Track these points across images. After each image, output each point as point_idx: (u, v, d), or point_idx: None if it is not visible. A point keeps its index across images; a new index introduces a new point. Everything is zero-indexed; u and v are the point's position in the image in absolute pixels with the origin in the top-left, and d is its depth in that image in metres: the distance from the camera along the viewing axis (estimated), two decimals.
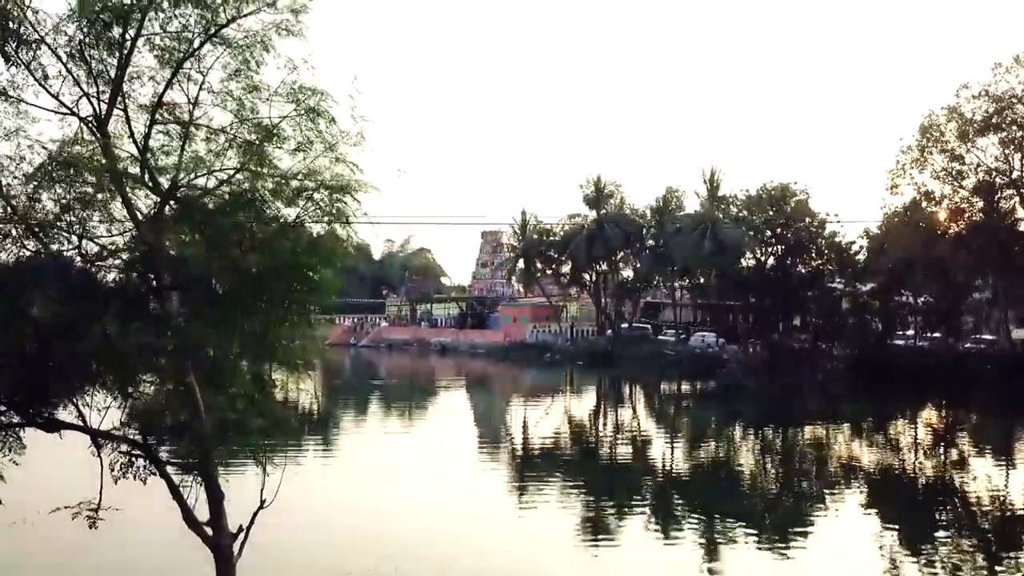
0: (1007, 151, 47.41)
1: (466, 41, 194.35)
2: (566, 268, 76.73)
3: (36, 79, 8.32)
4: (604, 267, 73.33)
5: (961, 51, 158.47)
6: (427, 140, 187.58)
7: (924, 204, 49.49)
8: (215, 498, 8.72)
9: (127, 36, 8.39)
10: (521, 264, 78.47)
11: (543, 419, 45.34)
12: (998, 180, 47.62)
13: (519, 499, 25.49)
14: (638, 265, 71.10)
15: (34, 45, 8.29)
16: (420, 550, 17.70)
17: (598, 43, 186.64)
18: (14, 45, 8.25)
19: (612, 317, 74.21)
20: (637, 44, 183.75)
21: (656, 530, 21.92)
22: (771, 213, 62.33)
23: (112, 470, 8.41)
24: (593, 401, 56.84)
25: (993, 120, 45.31)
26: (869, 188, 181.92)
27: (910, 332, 59.70)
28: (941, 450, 38.32)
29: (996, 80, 45.61)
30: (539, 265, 77.27)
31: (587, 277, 75.09)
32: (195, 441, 8.46)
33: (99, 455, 8.50)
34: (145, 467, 8.49)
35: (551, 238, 75.52)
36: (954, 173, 47.96)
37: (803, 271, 63.20)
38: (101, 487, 8.43)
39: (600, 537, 21.01)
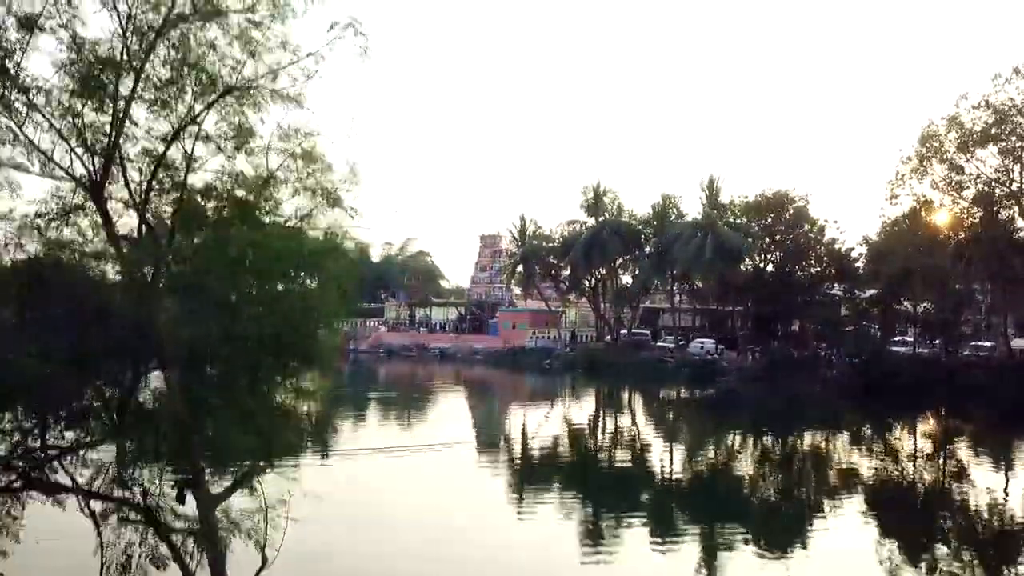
0: (1006, 162, 47.33)
1: (466, 50, 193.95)
2: (565, 273, 76.64)
3: (31, 141, 8.22)
4: (603, 272, 73.20)
5: (961, 56, 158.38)
6: (428, 145, 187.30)
7: (923, 213, 49.40)
8: (216, 562, 8.66)
9: (120, 94, 8.30)
10: (520, 269, 78.42)
11: (543, 425, 45.63)
12: (998, 191, 47.45)
13: (519, 507, 25.79)
14: (637, 272, 70.95)
15: (28, 100, 8.19)
16: (422, 563, 17.80)
17: (596, 50, 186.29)
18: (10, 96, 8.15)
19: (611, 323, 74.11)
20: (635, 52, 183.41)
21: (656, 538, 22.12)
22: (769, 220, 62.38)
23: (110, 569, 8.30)
24: (592, 409, 56.76)
25: (993, 131, 45.18)
26: (868, 193, 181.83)
27: (909, 338, 59.61)
28: (940, 460, 38.42)
29: (996, 91, 45.56)
30: (538, 271, 77.31)
31: (586, 283, 74.99)
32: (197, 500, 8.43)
33: (98, 532, 8.41)
34: (145, 534, 8.41)
35: (550, 244, 75.44)
36: (953, 183, 47.84)
37: (802, 276, 63.18)
38: (102, 568, 8.34)
39: (600, 545, 21.20)
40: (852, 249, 61.51)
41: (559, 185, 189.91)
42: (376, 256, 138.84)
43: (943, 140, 47.00)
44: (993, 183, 47.54)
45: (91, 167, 8.45)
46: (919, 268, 48.22)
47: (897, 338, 58.78)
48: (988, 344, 55.63)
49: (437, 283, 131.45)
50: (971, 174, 47.67)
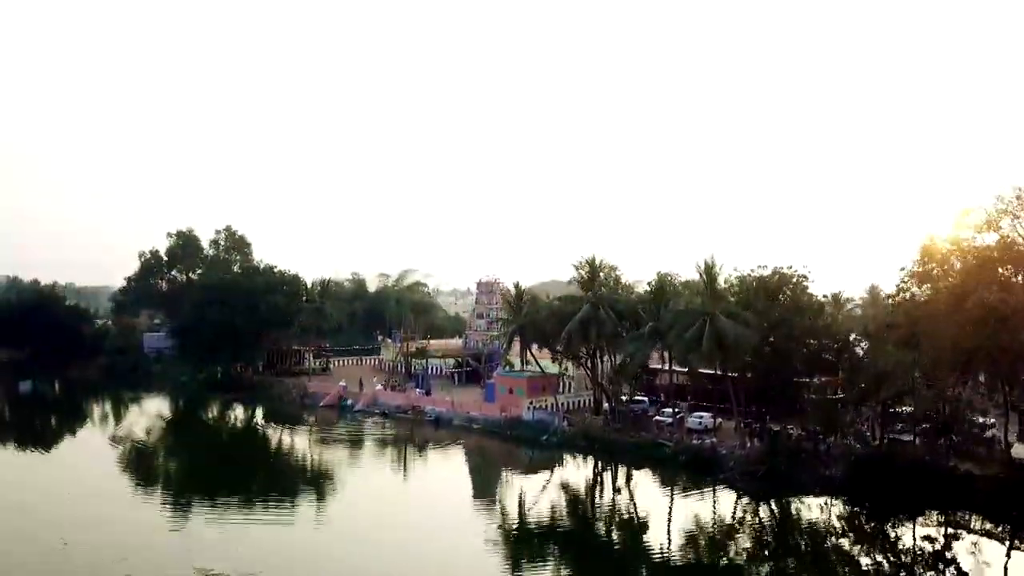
0: (1007, 272, 46.45)
1: (465, 120, 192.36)
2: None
3: None
4: (600, 342, 72.21)
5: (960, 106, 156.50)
6: (432, 188, 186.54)
7: (924, 322, 48.59)
8: None
9: None
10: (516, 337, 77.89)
11: (541, 496, 49.83)
12: (1000, 308, 46.46)
13: None
14: (634, 352, 69.86)
15: None
16: None
17: (595, 117, 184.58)
18: None
19: (609, 393, 73.29)
20: (635, 125, 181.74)
21: None
22: (768, 302, 61.69)
23: None
24: (589, 489, 58.34)
25: (995, 255, 44.37)
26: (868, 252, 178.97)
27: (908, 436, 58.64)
28: (940, 566, 39.84)
29: (996, 212, 44.51)
30: (533, 342, 76.91)
31: (583, 351, 74.09)
32: None
33: None
34: None
35: (545, 313, 74.51)
36: (955, 302, 46.95)
37: (801, 355, 62.45)
38: None
39: None
40: (851, 331, 60.91)
41: (553, 249, 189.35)
42: (372, 287, 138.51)
43: (944, 258, 46.14)
44: (995, 299, 46.57)
45: None
46: (920, 376, 47.64)
47: (896, 431, 57.90)
48: (992, 425, 54.90)
49: (435, 315, 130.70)
50: (971, 292, 46.71)
